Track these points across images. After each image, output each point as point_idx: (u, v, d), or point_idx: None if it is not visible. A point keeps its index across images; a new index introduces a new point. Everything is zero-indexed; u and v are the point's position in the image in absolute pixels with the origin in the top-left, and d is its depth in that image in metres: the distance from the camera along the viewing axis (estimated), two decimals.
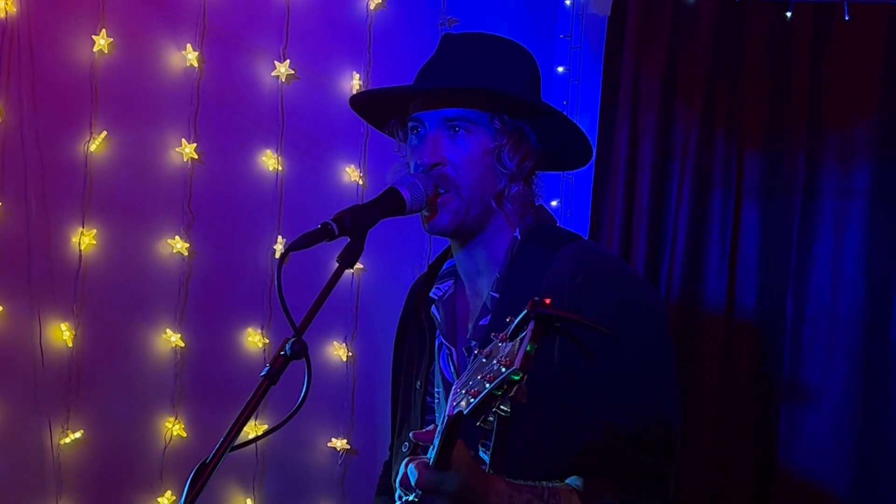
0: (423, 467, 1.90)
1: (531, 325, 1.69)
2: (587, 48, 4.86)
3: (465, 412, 1.77)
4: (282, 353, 1.98)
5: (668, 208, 4.62)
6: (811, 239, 4.52)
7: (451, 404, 1.84)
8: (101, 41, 4.54)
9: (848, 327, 4.48)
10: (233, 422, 1.92)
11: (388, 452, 2.86)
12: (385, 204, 2.24)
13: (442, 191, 2.33)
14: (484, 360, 1.79)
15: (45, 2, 4.56)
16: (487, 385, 1.72)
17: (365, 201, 2.26)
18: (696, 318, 4.57)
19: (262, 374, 1.96)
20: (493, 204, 2.36)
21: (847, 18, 4.44)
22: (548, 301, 1.71)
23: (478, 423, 1.77)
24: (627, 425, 2.19)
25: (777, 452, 4.51)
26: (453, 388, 1.87)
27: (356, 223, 2.13)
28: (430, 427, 2.05)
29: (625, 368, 2.21)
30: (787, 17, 4.51)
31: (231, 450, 1.93)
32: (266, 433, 2.16)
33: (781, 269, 4.55)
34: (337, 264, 2.11)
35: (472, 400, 1.75)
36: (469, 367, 1.84)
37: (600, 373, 2.19)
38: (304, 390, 1.99)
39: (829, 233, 4.51)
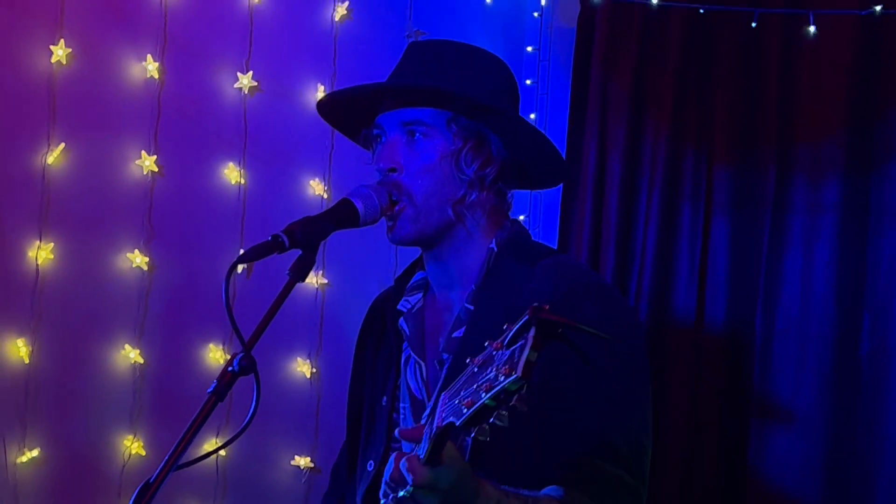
0: (416, 462, 1.84)
1: (532, 332, 1.62)
2: (555, 60, 4.84)
3: (457, 423, 1.71)
4: (229, 368, 1.92)
5: (637, 223, 4.59)
6: (781, 254, 4.50)
7: (440, 416, 1.78)
8: (60, 52, 4.46)
9: (817, 343, 4.45)
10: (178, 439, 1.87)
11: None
12: (338, 216, 2.19)
13: (395, 199, 2.29)
14: (477, 370, 1.73)
15: (1, 11, 4.47)
16: (483, 395, 1.66)
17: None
18: (665, 332, 4.54)
19: (210, 390, 1.91)
20: (452, 212, 2.31)
21: (813, 30, 4.40)
22: (547, 307, 1.65)
23: (473, 435, 1.71)
24: (612, 442, 2.16)
25: (747, 468, 4.48)
26: (441, 398, 1.82)
27: (308, 235, 2.08)
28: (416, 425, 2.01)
29: (611, 384, 2.17)
30: (751, 26, 4.47)
31: (177, 468, 1.87)
32: (212, 452, 2.13)
33: (751, 284, 4.52)
34: (288, 277, 2.05)
35: (465, 410, 1.69)
36: (459, 376, 1.78)
37: (587, 388, 2.15)
38: (252, 407, 1.94)
39: (799, 248, 4.48)
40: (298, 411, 4.67)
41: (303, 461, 4.66)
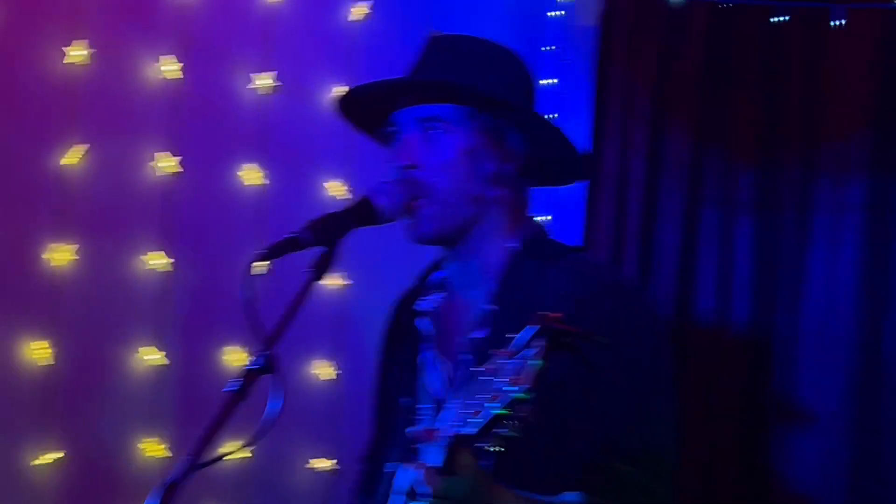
0: (429, 472, 1.83)
1: (538, 342, 1.63)
2: (575, 60, 4.80)
3: (467, 432, 1.71)
4: (250, 367, 1.92)
5: (659, 225, 4.57)
6: (804, 254, 4.48)
7: (452, 424, 1.77)
8: (79, 52, 4.44)
9: (841, 344, 4.44)
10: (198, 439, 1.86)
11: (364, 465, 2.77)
12: (358, 213, 2.17)
13: (417, 197, 2.25)
14: (486, 379, 1.71)
15: (19, 11, 4.44)
16: (491, 404, 1.66)
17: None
18: (686, 334, 4.53)
19: (230, 389, 1.90)
20: (472, 209, 2.29)
21: (838, 24, 4.36)
22: (555, 316, 1.64)
23: (483, 444, 1.71)
24: (628, 444, 2.14)
25: (768, 471, 4.45)
26: (453, 405, 1.80)
27: (327, 232, 2.07)
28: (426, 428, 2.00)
29: (627, 385, 2.15)
30: (776, 21, 4.44)
31: (198, 468, 1.88)
32: (233, 451, 2.09)
33: (774, 285, 4.50)
34: (308, 275, 2.04)
35: (474, 420, 1.69)
36: (468, 385, 1.77)
37: (603, 390, 2.12)
38: (276, 407, 1.92)
39: (823, 248, 4.47)
40: (320, 413, 4.65)
41: (325, 463, 4.64)
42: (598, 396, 2.13)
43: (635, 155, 4.58)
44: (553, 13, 4.79)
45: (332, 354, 4.67)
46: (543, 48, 4.83)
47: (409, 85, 2.33)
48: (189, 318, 4.60)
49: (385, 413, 2.54)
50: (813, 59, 4.48)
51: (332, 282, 4.62)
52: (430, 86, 2.30)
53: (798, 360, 4.46)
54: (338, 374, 4.66)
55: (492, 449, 1.70)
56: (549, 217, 4.66)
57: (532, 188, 2.43)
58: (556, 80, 4.77)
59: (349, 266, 4.65)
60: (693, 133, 4.53)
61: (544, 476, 2.13)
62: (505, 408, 1.64)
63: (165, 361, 4.53)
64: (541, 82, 4.72)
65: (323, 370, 4.65)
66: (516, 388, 1.62)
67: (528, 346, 1.66)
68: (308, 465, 4.65)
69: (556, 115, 4.69)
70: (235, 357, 4.57)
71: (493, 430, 1.68)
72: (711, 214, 4.53)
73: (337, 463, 4.64)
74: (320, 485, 4.66)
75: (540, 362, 1.61)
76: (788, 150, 4.49)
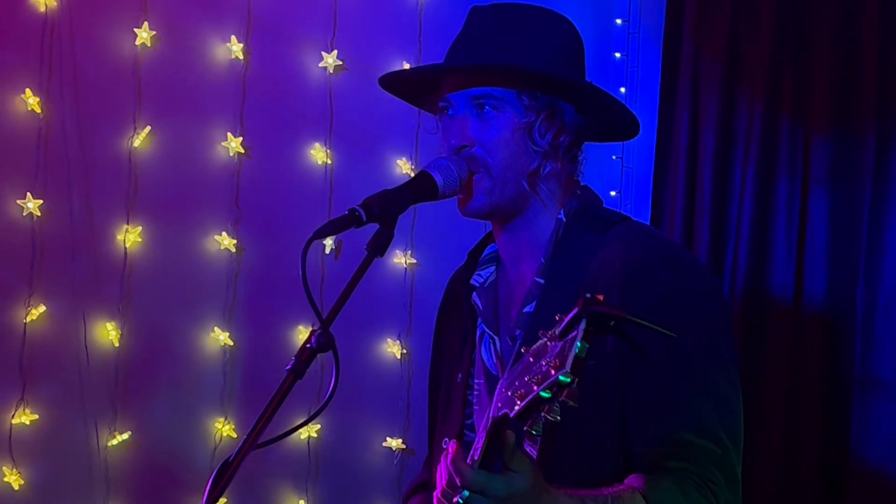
0: (467, 466, 1.81)
1: (582, 325, 1.59)
2: (645, 32, 4.77)
3: (511, 415, 1.68)
4: (307, 345, 1.90)
5: (732, 197, 4.50)
6: (882, 226, 4.35)
7: (496, 405, 1.74)
8: (144, 34, 4.46)
9: None
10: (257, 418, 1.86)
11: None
12: (416, 189, 2.15)
13: (474, 172, 2.22)
14: (531, 360, 1.68)
15: None
16: (535, 388, 1.62)
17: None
18: (762, 310, 4.44)
19: (287, 367, 1.89)
20: (526, 184, 2.25)
21: None
22: (600, 297, 1.60)
23: (525, 427, 1.67)
24: (689, 428, 2.07)
25: (849, 449, 4.35)
26: (497, 388, 1.77)
27: (385, 209, 2.04)
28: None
29: (684, 366, 2.07)
30: None
31: (257, 447, 1.87)
32: (293, 429, 2.09)
33: (851, 259, 4.38)
34: (366, 252, 2.02)
35: (518, 402, 1.66)
36: (515, 366, 1.74)
37: (658, 373, 2.05)
38: (332, 385, 1.91)
39: None
40: (389, 392, 4.66)
41: (395, 442, 4.64)
42: (660, 383, 2.08)
43: (706, 127, 4.50)
44: None
45: (402, 334, 4.65)
46: (618, 21, 4.77)
47: (454, 70, 2.28)
48: (256, 298, 4.63)
49: (441, 389, 2.53)
50: (889, 25, 4.36)
51: (400, 262, 4.61)
52: (475, 70, 2.26)
53: (878, 335, 4.35)
54: (406, 354, 4.64)
55: (534, 432, 1.67)
56: (614, 193, 4.62)
57: (583, 154, 2.37)
58: (622, 54, 4.71)
59: (416, 246, 4.64)
60: (766, 103, 4.44)
61: (602, 466, 2.11)
62: (546, 391, 1.61)
63: (232, 342, 4.54)
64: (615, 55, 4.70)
65: (392, 349, 4.64)
66: (556, 373, 1.59)
67: (571, 328, 1.62)
68: (384, 444, 4.65)
69: (624, 90, 4.65)
70: (303, 337, 4.55)
71: (536, 414, 1.65)
72: (785, 186, 4.43)
73: (405, 442, 4.63)
74: (393, 463, 4.66)
75: (581, 345, 1.57)
76: (864, 118, 4.36)
